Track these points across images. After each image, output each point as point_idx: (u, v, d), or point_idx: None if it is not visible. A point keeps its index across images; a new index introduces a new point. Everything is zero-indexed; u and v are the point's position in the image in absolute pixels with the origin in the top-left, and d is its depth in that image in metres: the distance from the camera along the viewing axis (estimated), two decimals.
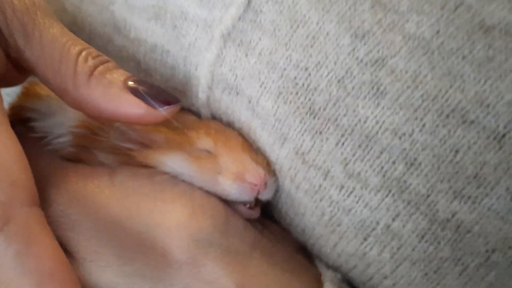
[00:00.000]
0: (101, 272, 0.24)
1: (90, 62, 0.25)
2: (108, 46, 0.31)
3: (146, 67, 0.30)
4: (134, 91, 0.24)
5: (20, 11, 0.24)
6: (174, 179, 0.26)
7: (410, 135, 0.23)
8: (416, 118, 0.22)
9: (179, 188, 0.26)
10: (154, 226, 0.24)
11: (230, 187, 0.26)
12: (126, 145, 0.27)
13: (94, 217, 0.25)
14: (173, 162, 0.26)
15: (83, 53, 0.25)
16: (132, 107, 0.24)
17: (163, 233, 0.24)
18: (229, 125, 0.29)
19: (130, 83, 0.25)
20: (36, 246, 0.20)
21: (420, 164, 0.23)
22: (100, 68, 0.25)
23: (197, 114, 0.30)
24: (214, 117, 0.30)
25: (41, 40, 0.24)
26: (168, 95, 0.25)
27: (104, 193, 0.25)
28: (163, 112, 0.24)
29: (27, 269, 0.20)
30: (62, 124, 0.27)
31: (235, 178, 0.26)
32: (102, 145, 0.27)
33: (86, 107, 0.25)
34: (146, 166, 0.27)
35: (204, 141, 0.27)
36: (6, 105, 0.28)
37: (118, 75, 0.25)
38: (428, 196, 0.23)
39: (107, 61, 0.25)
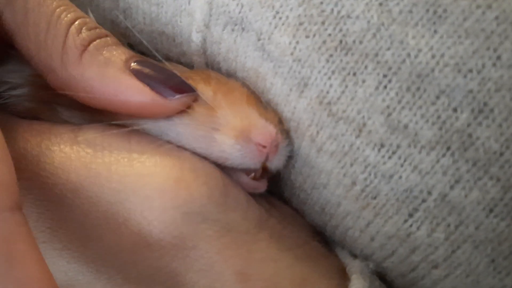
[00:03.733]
0: (55, 258, 0.21)
1: (84, 34, 0.22)
2: None
3: (125, 5, 0.27)
4: (138, 74, 0.21)
5: None
6: (157, 138, 0.22)
7: (479, 72, 0.19)
8: (488, 48, 0.19)
9: (163, 148, 0.22)
10: (129, 194, 0.20)
11: (231, 148, 0.22)
12: None
13: (48, 182, 0.21)
14: None
15: (77, 23, 0.22)
16: (135, 94, 0.21)
17: (140, 204, 0.20)
18: (230, 76, 0.25)
19: (134, 63, 0.22)
20: (19, 266, 0.17)
21: (492, 110, 0.19)
22: (97, 42, 0.22)
23: (189, 66, 0.26)
24: (210, 68, 0.26)
25: (25, 2, 0.21)
26: (181, 81, 0.22)
27: (64, 152, 0.21)
28: (174, 102, 0.21)
29: None
30: (19, 71, 0.24)
31: (237, 136, 0.22)
32: (67, 100, 0.23)
33: (75, 90, 0.21)
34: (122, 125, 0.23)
35: (200, 90, 0.23)
36: None
37: (119, 53, 0.22)
38: (502, 154, 0.19)
39: (105, 35, 0.22)
